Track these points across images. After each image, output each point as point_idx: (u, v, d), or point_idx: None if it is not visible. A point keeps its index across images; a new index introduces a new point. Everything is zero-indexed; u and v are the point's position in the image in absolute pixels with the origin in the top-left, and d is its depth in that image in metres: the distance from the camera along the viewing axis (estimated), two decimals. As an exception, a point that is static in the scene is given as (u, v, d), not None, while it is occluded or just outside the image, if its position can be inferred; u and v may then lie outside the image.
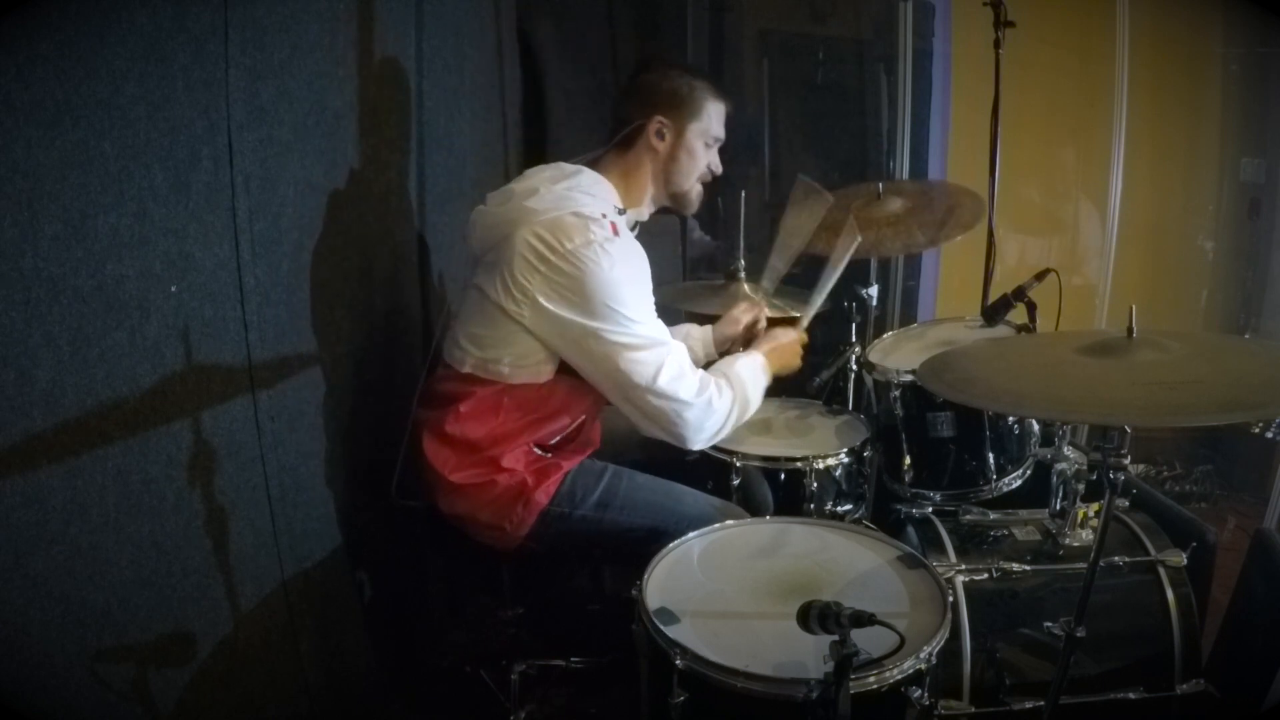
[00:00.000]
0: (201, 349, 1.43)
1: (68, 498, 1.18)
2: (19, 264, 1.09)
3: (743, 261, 2.53)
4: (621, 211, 1.83)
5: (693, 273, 3.65)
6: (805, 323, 2.15)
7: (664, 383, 1.72)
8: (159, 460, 1.35)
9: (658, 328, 1.76)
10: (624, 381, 1.72)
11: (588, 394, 1.82)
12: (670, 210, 1.99)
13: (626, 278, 1.69)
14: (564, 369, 1.77)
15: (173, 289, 1.36)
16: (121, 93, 1.23)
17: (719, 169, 1.94)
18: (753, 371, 1.91)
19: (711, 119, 1.88)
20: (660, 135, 1.85)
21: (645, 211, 1.93)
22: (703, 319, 2.94)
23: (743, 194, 2.62)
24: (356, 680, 2.03)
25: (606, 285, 1.66)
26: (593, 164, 1.86)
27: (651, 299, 1.78)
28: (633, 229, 1.89)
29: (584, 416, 1.86)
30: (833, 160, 3.93)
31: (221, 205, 1.47)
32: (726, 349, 2.21)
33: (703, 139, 1.88)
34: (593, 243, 1.66)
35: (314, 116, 1.76)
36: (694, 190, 1.93)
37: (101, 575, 1.25)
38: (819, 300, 2.17)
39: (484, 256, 1.79)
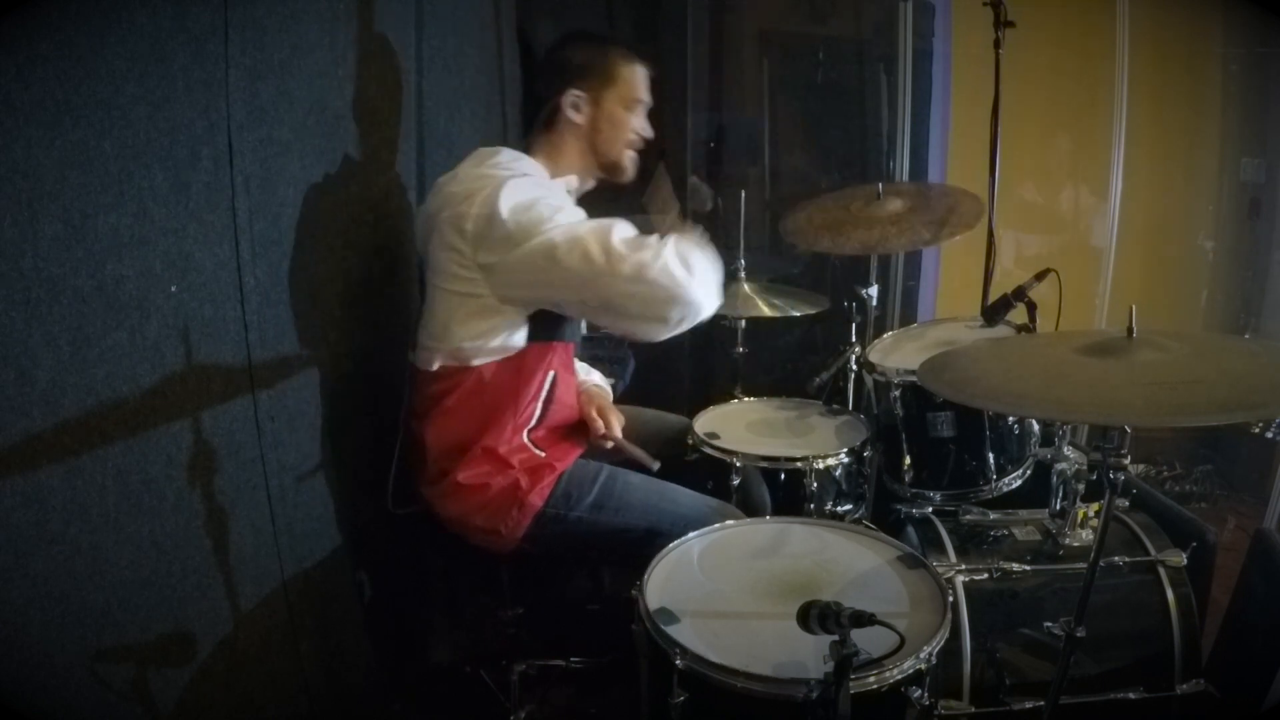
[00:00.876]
0: (201, 349, 1.43)
1: (68, 498, 1.18)
2: (19, 264, 1.09)
3: (743, 261, 2.53)
4: None
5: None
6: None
7: (618, 244, 1.60)
8: (159, 460, 1.35)
9: (579, 213, 1.69)
10: (589, 278, 1.62)
11: (551, 345, 1.82)
12: (606, 183, 1.96)
13: (532, 188, 1.67)
14: (533, 335, 1.76)
15: (173, 289, 1.36)
16: (121, 93, 1.23)
17: (649, 133, 1.90)
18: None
19: (629, 83, 1.86)
20: (576, 108, 1.83)
21: (576, 182, 1.90)
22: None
23: (743, 194, 2.62)
24: (356, 680, 2.03)
25: (515, 201, 1.64)
26: (525, 150, 1.86)
27: (573, 205, 1.72)
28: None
29: (555, 370, 1.84)
30: (833, 160, 3.93)
31: (221, 205, 1.47)
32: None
33: (623, 104, 1.85)
34: (500, 182, 1.66)
35: (314, 116, 1.76)
36: (625, 157, 1.89)
37: (101, 575, 1.25)
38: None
39: (427, 250, 1.80)
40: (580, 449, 1.91)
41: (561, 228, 1.63)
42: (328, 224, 1.82)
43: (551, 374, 1.84)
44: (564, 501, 1.80)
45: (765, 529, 1.73)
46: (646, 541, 1.68)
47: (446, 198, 1.74)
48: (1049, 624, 1.52)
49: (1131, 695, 1.73)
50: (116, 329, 1.26)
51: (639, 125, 1.89)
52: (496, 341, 1.75)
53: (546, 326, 1.78)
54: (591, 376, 2.15)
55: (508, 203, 1.64)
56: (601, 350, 2.72)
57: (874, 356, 2.27)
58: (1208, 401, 1.23)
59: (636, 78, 1.86)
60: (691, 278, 1.63)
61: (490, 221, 1.65)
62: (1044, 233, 3.78)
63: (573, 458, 1.87)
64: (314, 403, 1.79)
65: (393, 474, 1.92)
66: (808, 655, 1.28)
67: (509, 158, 1.79)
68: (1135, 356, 1.34)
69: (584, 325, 2.65)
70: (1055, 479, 1.90)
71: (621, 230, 1.65)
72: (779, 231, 2.57)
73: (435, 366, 1.79)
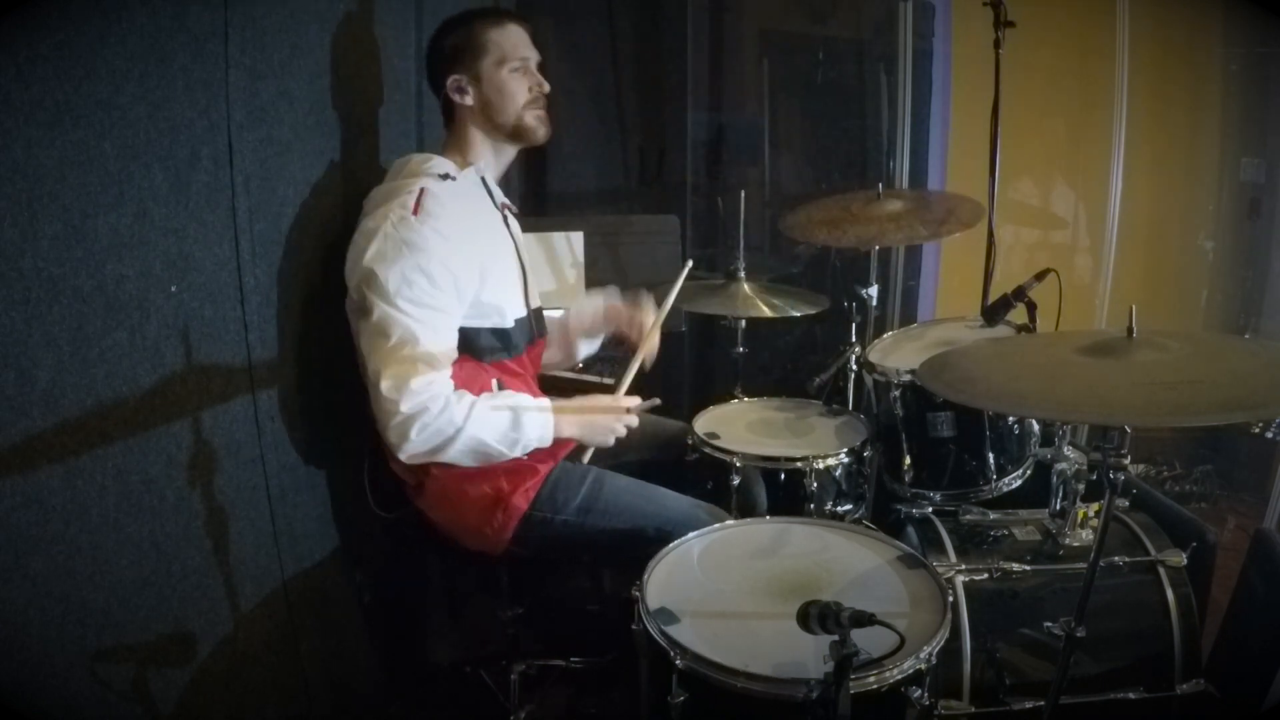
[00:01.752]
0: (201, 349, 1.43)
1: (68, 498, 1.18)
2: (19, 264, 1.09)
3: (742, 261, 2.53)
4: (447, 177, 1.78)
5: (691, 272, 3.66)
6: (623, 390, 1.89)
7: (387, 371, 1.60)
8: (159, 460, 1.35)
9: (419, 325, 1.63)
10: (368, 354, 1.65)
11: (479, 365, 1.80)
12: (527, 148, 1.94)
13: (398, 256, 1.63)
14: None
15: (173, 289, 1.36)
16: (121, 93, 1.23)
17: (545, 87, 1.87)
18: (524, 418, 1.71)
19: (500, 47, 1.81)
20: (462, 90, 1.81)
21: (484, 166, 1.88)
22: (703, 318, 2.95)
23: (743, 194, 2.62)
24: (356, 680, 2.03)
25: (375, 254, 1.63)
26: (441, 149, 1.86)
27: (436, 299, 1.66)
28: (492, 193, 1.90)
29: (496, 379, 1.82)
30: (833, 160, 3.93)
31: (221, 205, 1.48)
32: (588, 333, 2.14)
33: (504, 68, 1.81)
34: (385, 220, 1.65)
35: (314, 116, 1.76)
36: (526, 118, 1.84)
37: (101, 575, 1.25)
38: (635, 364, 1.94)
39: None
40: (564, 450, 1.87)
41: (393, 308, 1.62)
42: (328, 224, 1.82)
43: (495, 383, 1.81)
44: (550, 504, 1.79)
45: (765, 529, 1.73)
46: (635, 544, 1.67)
47: (363, 218, 1.75)
48: (1049, 624, 1.52)
49: (1131, 695, 1.73)
50: (116, 329, 1.26)
51: (530, 82, 1.85)
52: None
53: (460, 344, 1.74)
54: (590, 301, 2.14)
55: (375, 248, 1.64)
56: (602, 350, 2.72)
57: (874, 356, 2.27)
58: (1208, 401, 1.23)
59: (507, 38, 1.82)
60: (402, 444, 1.63)
61: (357, 253, 1.66)
62: (1044, 233, 3.79)
63: (557, 458, 1.85)
64: (314, 403, 1.79)
65: (367, 479, 1.90)
66: (808, 655, 1.28)
67: (418, 161, 1.78)
68: (1135, 356, 1.34)
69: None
70: (1055, 479, 1.89)
71: (427, 356, 1.62)
72: (778, 227, 2.57)
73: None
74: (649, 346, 1.95)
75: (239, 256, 1.52)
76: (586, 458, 1.80)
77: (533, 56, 1.86)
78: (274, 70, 1.60)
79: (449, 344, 1.70)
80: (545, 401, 1.79)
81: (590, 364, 2.59)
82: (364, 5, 1.96)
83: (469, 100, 1.82)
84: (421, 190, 1.69)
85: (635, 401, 1.85)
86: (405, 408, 1.60)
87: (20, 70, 1.07)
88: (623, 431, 1.82)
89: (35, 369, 1.13)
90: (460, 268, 1.70)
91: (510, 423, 1.70)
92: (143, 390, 1.31)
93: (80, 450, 1.20)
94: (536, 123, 1.86)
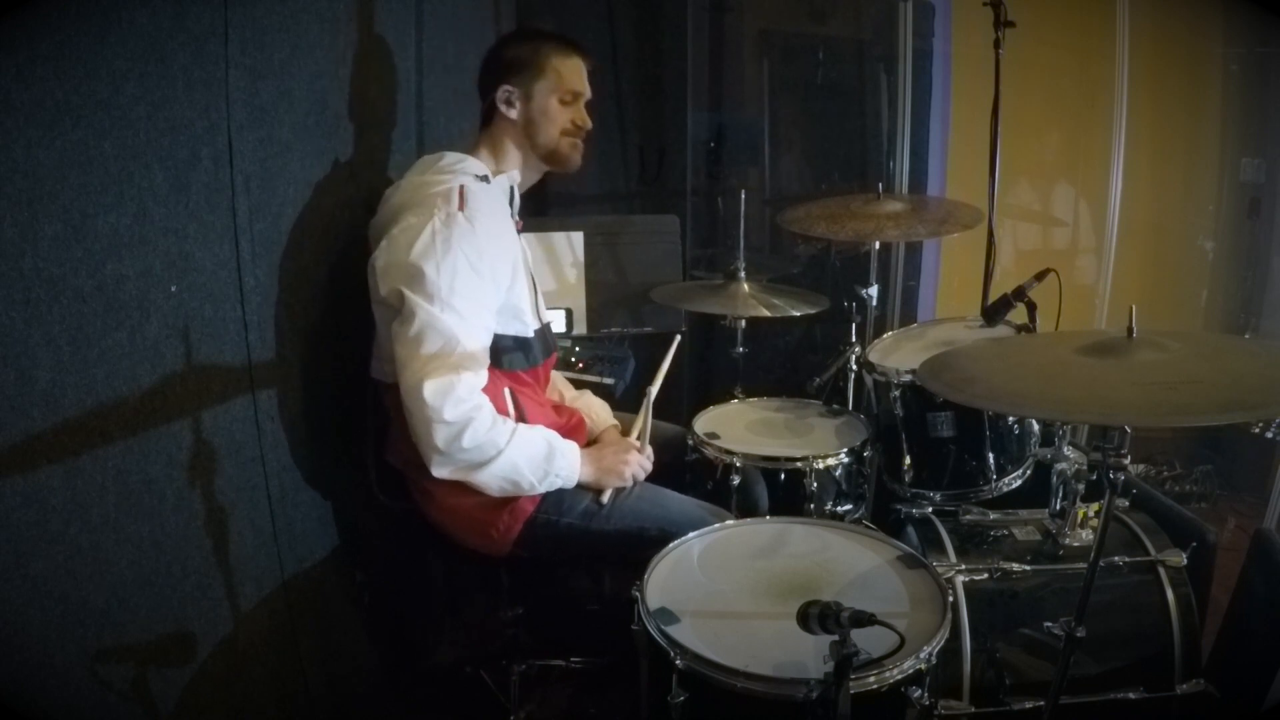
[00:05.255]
0: (201, 349, 1.43)
1: (68, 498, 1.18)
2: (19, 264, 1.09)
3: (742, 261, 2.53)
4: (484, 178, 1.80)
5: (692, 272, 3.67)
6: (640, 435, 1.93)
7: (431, 377, 1.59)
8: (159, 460, 1.35)
9: (464, 324, 1.63)
10: (404, 361, 1.62)
11: (494, 372, 1.77)
12: (555, 173, 1.96)
13: (447, 251, 1.63)
14: None
15: (173, 289, 1.36)
16: (121, 93, 1.23)
17: (587, 124, 1.89)
18: (556, 452, 1.75)
19: (560, 75, 1.84)
20: (510, 102, 1.83)
21: (518, 175, 1.89)
22: (703, 318, 2.95)
23: (743, 194, 2.62)
24: (356, 680, 2.03)
25: (423, 249, 1.62)
26: (470, 147, 1.87)
27: (483, 294, 1.68)
28: (512, 203, 1.89)
29: (508, 388, 1.81)
30: (833, 160, 3.93)
31: (221, 205, 1.48)
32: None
33: (555, 96, 1.84)
34: (431, 217, 1.65)
35: (314, 116, 1.76)
36: (562, 146, 1.87)
37: (101, 575, 1.25)
38: (649, 405, 1.97)
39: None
40: None
41: (438, 307, 1.61)
42: (328, 224, 1.82)
43: (506, 391, 1.80)
44: (556, 507, 1.79)
45: (766, 529, 1.73)
46: (640, 547, 1.67)
47: (391, 210, 1.73)
48: (1049, 624, 1.52)
49: (1131, 695, 1.73)
50: (116, 329, 1.26)
51: (574, 115, 1.87)
52: None
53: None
54: (588, 401, 2.14)
55: (423, 243, 1.63)
56: (602, 350, 2.72)
57: (874, 356, 2.27)
58: (1208, 401, 1.23)
59: (568, 70, 1.85)
60: (441, 460, 1.63)
61: (396, 248, 1.65)
62: (1044, 233, 3.79)
63: None
64: (314, 403, 1.79)
65: (372, 462, 1.90)
66: (808, 655, 1.28)
67: (451, 160, 1.78)
68: (1135, 356, 1.34)
69: (570, 325, 2.66)
70: (1055, 479, 1.89)
71: (448, 371, 1.60)
72: (778, 221, 2.57)
73: (384, 379, 1.77)
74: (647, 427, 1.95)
75: (239, 256, 1.52)
76: (606, 498, 1.81)
77: (585, 93, 1.88)
78: (274, 70, 1.60)
79: (487, 345, 1.71)
80: (574, 444, 1.80)
81: (590, 364, 2.60)
82: (364, 5, 1.96)
83: (513, 114, 1.84)
84: (461, 187, 1.70)
85: (645, 446, 1.89)
86: (450, 415, 1.60)
87: (20, 70, 1.07)
88: (639, 472, 1.86)
89: (35, 369, 1.13)
90: (498, 265, 1.72)
91: (545, 454, 1.73)
92: (143, 390, 1.31)
93: (80, 450, 1.20)
94: (571, 150, 1.89)
